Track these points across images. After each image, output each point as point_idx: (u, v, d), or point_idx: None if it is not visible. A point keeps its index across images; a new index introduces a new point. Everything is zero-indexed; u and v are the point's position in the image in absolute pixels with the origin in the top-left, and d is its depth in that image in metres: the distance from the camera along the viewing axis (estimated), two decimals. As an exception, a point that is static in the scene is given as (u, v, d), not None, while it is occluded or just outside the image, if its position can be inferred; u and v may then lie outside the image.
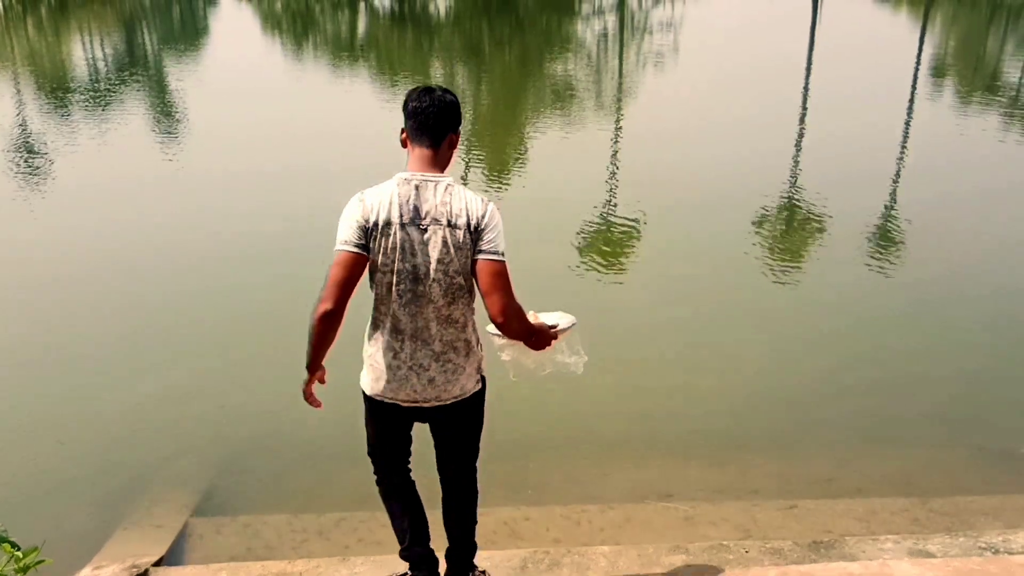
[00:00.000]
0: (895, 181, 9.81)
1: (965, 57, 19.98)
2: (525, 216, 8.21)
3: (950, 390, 5.41)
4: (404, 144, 2.69)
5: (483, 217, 2.57)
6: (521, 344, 2.76)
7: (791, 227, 8.35)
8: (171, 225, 8.01)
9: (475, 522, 3.05)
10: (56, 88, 15.12)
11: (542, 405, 4.85)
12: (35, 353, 5.74)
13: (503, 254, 2.60)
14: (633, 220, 8.25)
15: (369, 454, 2.99)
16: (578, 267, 7.22)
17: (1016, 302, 6.62)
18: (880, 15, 27.56)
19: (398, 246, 2.56)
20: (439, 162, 2.64)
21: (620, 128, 12.69)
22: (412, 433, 2.96)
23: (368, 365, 2.77)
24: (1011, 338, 6.04)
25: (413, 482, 3.02)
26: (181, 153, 10.91)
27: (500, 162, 10.45)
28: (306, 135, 11.54)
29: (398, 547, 3.07)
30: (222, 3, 30.86)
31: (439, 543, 3.09)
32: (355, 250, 2.56)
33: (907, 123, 12.72)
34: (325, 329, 2.59)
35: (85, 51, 20.53)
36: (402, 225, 2.55)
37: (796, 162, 10.61)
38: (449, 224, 2.56)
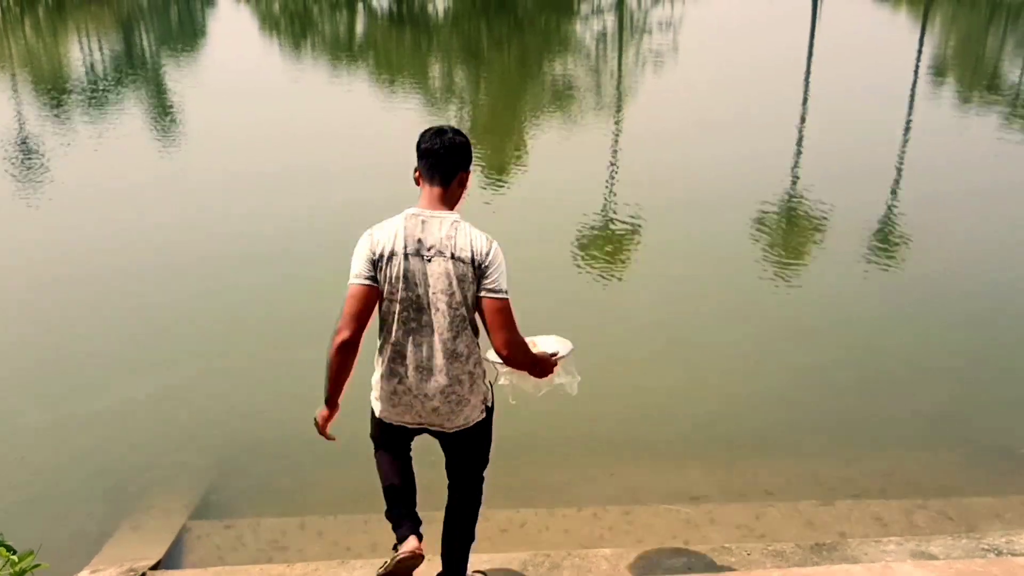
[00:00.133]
0: (895, 180, 9.80)
1: (965, 57, 19.98)
2: (525, 216, 8.21)
3: (951, 390, 5.40)
4: (417, 182, 2.78)
5: (487, 255, 2.65)
6: (522, 371, 2.87)
7: (790, 227, 8.33)
8: (169, 225, 7.99)
9: (472, 538, 3.05)
10: (54, 89, 15.09)
11: (542, 407, 4.82)
12: (33, 354, 5.73)
13: (506, 292, 2.69)
14: (633, 220, 8.24)
15: (371, 436, 3.04)
16: (578, 267, 7.20)
17: (1016, 301, 6.60)
18: (879, 15, 27.56)
19: (401, 276, 2.65)
20: (448, 200, 2.73)
21: (620, 128, 12.68)
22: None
23: (375, 390, 2.84)
24: (1011, 337, 6.02)
25: (410, 458, 3.05)
26: (180, 154, 10.89)
27: (500, 162, 10.43)
28: (305, 136, 11.53)
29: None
30: (220, 4, 30.83)
31: (437, 542, 3.08)
32: (367, 283, 2.67)
33: (907, 123, 12.72)
34: (343, 359, 2.70)
35: (83, 52, 20.51)
36: (406, 255, 2.64)
37: (795, 162, 10.60)
38: (453, 256, 2.64)
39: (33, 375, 5.47)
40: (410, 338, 2.70)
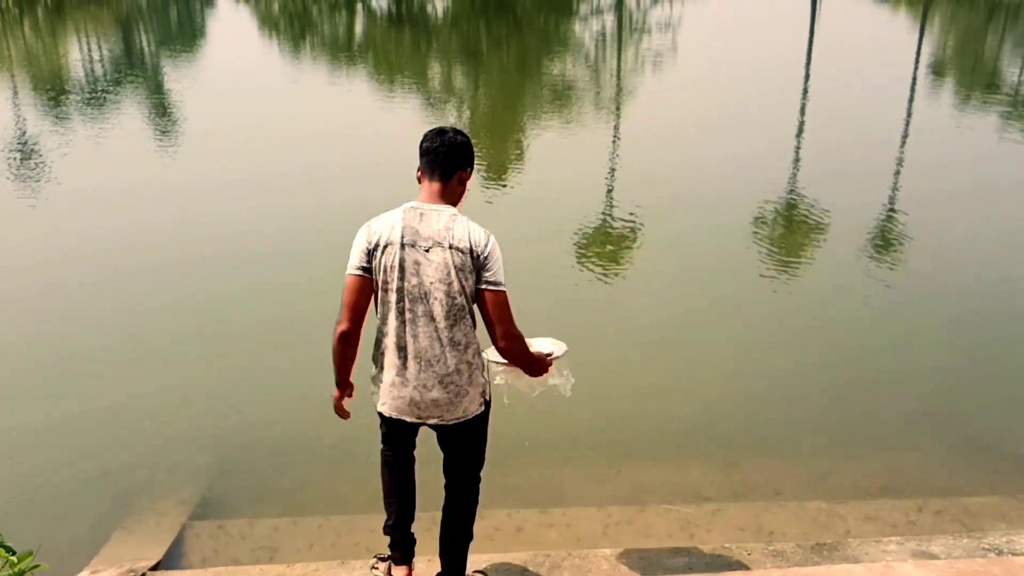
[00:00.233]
0: (894, 180, 9.79)
1: (964, 56, 19.99)
2: (525, 215, 8.22)
3: (951, 390, 5.39)
4: (419, 181, 2.83)
5: (485, 247, 2.70)
6: (518, 370, 2.93)
7: (790, 226, 8.33)
8: (168, 225, 7.98)
9: (470, 537, 3.07)
10: (53, 90, 15.08)
11: (541, 407, 4.82)
12: (32, 356, 5.71)
13: (504, 284, 2.73)
14: (632, 219, 8.23)
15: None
16: (577, 266, 7.20)
17: (1016, 300, 6.60)
18: (879, 14, 27.57)
19: (397, 265, 2.68)
20: (448, 196, 2.78)
21: (619, 128, 12.67)
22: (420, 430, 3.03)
23: (375, 384, 2.87)
24: (1011, 337, 6.01)
25: (414, 460, 3.11)
26: (179, 154, 10.88)
27: (500, 162, 10.43)
28: (304, 136, 11.52)
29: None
30: (219, 4, 30.84)
31: (436, 541, 3.09)
32: (362, 273, 2.73)
33: (906, 122, 12.72)
34: (344, 348, 2.81)
35: (82, 53, 20.50)
36: (402, 245, 2.68)
37: (795, 161, 10.60)
38: (451, 247, 2.67)
39: (32, 375, 5.46)
40: (408, 328, 2.72)
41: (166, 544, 3.86)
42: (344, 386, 2.93)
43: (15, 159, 10.43)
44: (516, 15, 27.29)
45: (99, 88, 15.47)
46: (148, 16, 28.15)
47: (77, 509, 4.19)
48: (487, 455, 3.04)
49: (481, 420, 2.91)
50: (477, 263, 2.69)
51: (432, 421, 2.82)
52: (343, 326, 2.76)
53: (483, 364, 2.86)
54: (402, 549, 3.12)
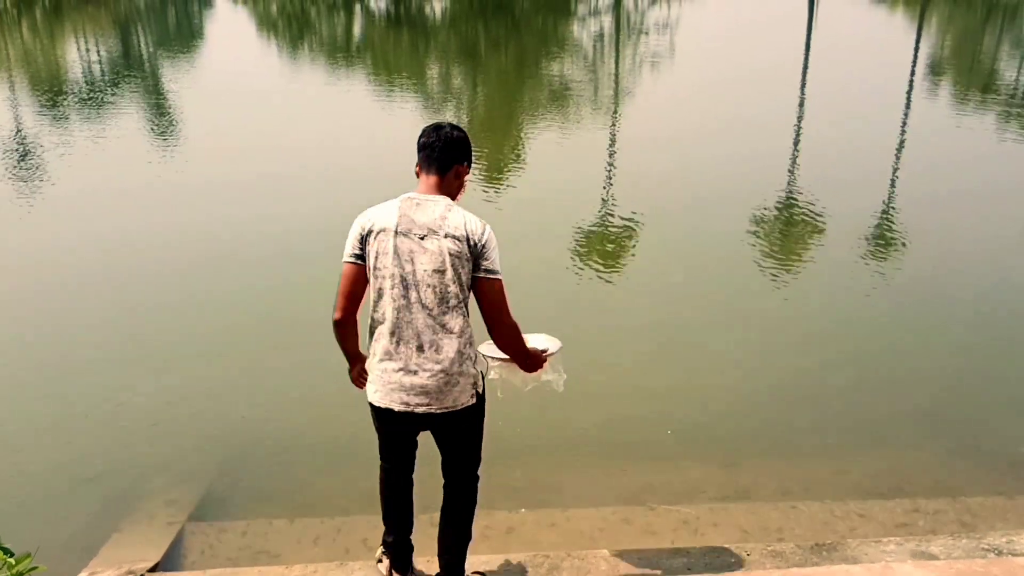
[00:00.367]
0: (892, 181, 9.80)
1: (961, 56, 20.01)
2: (523, 216, 8.21)
3: (951, 390, 5.39)
4: (418, 175, 2.86)
5: (482, 235, 2.71)
6: (512, 365, 2.95)
7: (788, 228, 8.33)
8: (167, 227, 7.97)
9: (468, 537, 3.06)
10: (51, 91, 15.06)
11: (540, 407, 4.82)
12: (31, 357, 5.70)
13: (500, 272, 2.76)
14: (631, 220, 8.23)
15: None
16: (576, 267, 7.19)
17: (1016, 300, 6.60)
18: (876, 15, 27.60)
19: (391, 252, 2.69)
20: (444, 189, 2.81)
21: (617, 129, 12.67)
22: (418, 439, 3.02)
23: (368, 371, 2.87)
24: (1011, 337, 6.02)
25: (411, 484, 3.11)
26: (177, 155, 10.87)
27: (498, 163, 10.43)
28: (303, 137, 11.51)
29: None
30: (217, 5, 30.83)
31: (434, 542, 3.09)
32: (355, 261, 2.78)
33: (904, 123, 12.73)
34: (343, 333, 2.89)
35: (80, 54, 20.48)
36: (396, 232, 2.70)
37: (793, 162, 10.61)
38: (447, 235, 2.68)
39: (29, 378, 5.45)
40: (401, 315, 2.72)
41: (165, 545, 3.85)
42: (355, 359, 2.97)
43: (13, 160, 10.42)
44: (514, 16, 27.30)
45: (97, 89, 15.46)
46: (146, 17, 28.14)
47: (75, 510, 4.17)
48: (484, 455, 3.03)
49: (473, 413, 2.87)
50: (474, 252, 2.70)
51: (421, 410, 2.77)
52: (337, 314, 2.83)
53: (476, 356, 2.85)
54: (400, 557, 3.14)
